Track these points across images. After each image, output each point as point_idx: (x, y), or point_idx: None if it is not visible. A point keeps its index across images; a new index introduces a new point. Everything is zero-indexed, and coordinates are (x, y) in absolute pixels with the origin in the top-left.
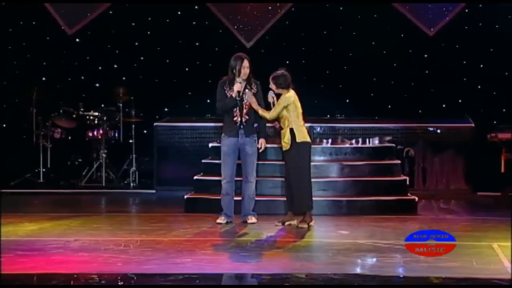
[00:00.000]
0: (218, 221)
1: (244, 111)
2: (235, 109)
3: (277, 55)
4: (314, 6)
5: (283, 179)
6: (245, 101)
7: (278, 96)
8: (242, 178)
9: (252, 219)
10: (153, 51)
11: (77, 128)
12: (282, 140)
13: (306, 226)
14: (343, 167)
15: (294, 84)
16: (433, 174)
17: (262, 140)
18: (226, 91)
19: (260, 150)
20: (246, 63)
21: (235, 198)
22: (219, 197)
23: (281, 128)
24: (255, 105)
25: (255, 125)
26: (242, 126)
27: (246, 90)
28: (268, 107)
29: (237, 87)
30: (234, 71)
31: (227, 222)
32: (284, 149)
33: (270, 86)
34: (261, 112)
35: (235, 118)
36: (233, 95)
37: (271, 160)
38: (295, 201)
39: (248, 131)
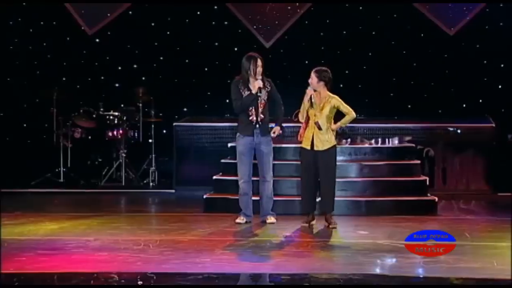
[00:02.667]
0: (237, 221)
1: (260, 110)
2: (250, 108)
3: (296, 55)
4: (333, 6)
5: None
6: (260, 99)
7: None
8: (259, 178)
9: (271, 219)
10: (173, 51)
11: (97, 128)
12: (317, 138)
13: (336, 226)
14: (363, 167)
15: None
16: (453, 174)
17: (277, 128)
18: (241, 90)
19: (273, 134)
20: (259, 62)
21: (253, 198)
22: (238, 197)
23: (320, 128)
24: (337, 125)
25: (271, 124)
26: (257, 126)
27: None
28: (298, 101)
29: (259, 83)
30: (249, 71)
31: (246, 222)
32: (317, 148)
33: (310, 80)
34: (348, 119)
35: (250, 118)
36: (254, 92)
37: (289, 160)
38: (322, 201)
39: (264, 130)
